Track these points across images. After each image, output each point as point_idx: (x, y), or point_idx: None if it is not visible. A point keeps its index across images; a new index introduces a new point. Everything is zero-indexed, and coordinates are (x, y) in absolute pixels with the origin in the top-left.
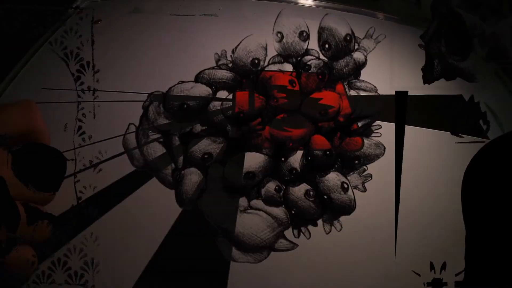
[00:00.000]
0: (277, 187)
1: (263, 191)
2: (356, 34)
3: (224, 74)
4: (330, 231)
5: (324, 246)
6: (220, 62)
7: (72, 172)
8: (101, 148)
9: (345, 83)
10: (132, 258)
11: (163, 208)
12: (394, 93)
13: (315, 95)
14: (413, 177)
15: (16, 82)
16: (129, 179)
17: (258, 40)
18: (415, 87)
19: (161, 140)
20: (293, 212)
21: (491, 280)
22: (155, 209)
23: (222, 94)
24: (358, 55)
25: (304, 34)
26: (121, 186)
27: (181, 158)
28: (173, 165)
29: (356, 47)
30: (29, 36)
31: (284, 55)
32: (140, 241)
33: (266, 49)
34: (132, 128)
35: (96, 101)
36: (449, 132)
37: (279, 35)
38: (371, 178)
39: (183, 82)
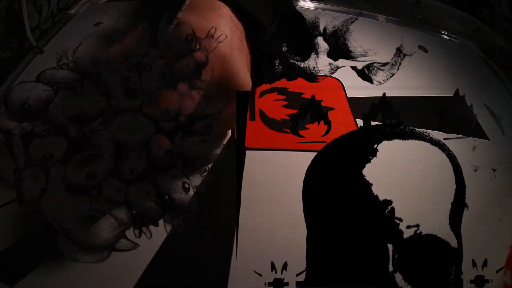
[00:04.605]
0: (118, 187)
1: (104, 191)
2: (197, 35)
3: (66, 74)
4: (171, 231)
5: (165, 245)
6: (61, 62)
7: None
8: None
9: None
10: None
11: None
12: None
13: (156, 95)
14: (254, 178)
15: None
16: None
17: (99, 40)
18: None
19: (2, 140)
20: (134, 212)
21: (331, 279)
22: None
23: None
24: (199, 55)
25: None
26: None
27: (22, 158)
28: (15, 165)
29: (197, 47)
30: None
31: (125, 55)
32: None
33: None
34: None
35: None
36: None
37: None
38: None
39: (24, 82)
